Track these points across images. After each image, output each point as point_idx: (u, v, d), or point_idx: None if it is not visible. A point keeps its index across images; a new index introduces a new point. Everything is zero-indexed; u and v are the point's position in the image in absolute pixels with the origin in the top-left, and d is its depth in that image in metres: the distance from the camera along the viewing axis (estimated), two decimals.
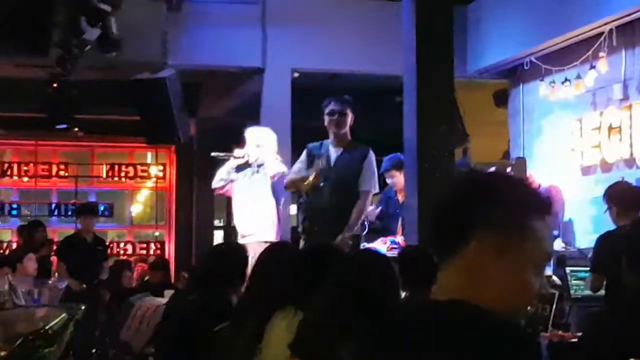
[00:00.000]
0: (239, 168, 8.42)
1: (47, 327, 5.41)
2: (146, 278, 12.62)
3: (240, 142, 8.57)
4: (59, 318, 5.54)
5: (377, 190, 8.26)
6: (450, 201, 1.92)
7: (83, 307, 6.37)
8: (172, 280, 14.33)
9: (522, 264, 1.87)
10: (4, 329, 5.85)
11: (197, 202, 15.95)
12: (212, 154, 8.74)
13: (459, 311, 1.75)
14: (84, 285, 10.59)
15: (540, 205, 1.91)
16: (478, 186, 1.92)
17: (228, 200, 17.27)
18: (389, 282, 3.68)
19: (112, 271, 11.79)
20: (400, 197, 9.19)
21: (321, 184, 7.95)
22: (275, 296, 4.08)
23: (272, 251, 4.84)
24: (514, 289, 1.87)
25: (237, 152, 8.42)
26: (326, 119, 8.14)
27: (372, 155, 8.09)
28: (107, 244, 15.96)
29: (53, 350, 5.36)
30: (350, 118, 8.14)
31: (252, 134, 8.51)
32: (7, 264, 10.03)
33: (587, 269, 7.41)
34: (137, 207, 17.63)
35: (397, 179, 9.18)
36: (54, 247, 12.42)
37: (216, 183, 8.63)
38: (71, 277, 10.61)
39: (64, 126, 12.93)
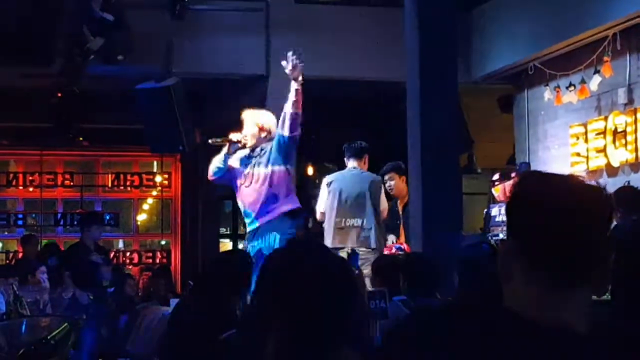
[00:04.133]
0: (235, 152, 7.75)
1: (49, 337, 5.41)
2: (151, 288, 12.58)
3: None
4: (61, 328, 5.53)
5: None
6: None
7: (85, 317, 6.36)
8: (179, 288, 14.34)
9: None
10: (7, 339, 5.84)
11: (203, 210, 15.95)
12: (209, 140, 7.94)
13: None
14: (91, 297, 10.57)
15: None
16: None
17: (234, 208, 17.17)
18: None
19: (116, 281, 11.75)
20: (400, 206, 9.19)
21: None
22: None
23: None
24: None
25: (232, 135, 7.69)
26: None
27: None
28: (113, 253, 16.02)
29: None
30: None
31: (251, 115, 7.83)
32: (14, 275, 10.01)
33: None
34: (142, 216, 17.63)
35: (396, 183, 9.19)
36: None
37: (212, 172, 7.89)
38: (76, 286, 10.60)
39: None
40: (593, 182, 1.89)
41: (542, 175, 1.89)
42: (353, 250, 7.80)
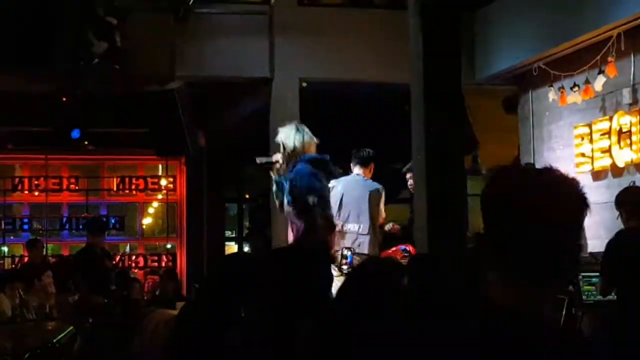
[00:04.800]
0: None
1: (54, 341, 5.40)
2: (157, 292, 12.58)
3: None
4: (66, 332, 5.53)
5: None
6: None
7: (91, 321, 6.36)
8: (184, 291, 14.35)
9: None
10: (13, 343, 5.84)
11: (207, 214, 15.95)
12: (257, 160, 8.12)
13: None
14: (105, 300, 10.58)
15: None
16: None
17: (239, 211, 17.19)
18: None
19: (122, 284, 11.76)
20: None
21: None
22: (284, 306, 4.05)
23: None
24: None
25: (274, 157, 7.76)
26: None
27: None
28: (119, 257, 16.06)
29: None
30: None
31: (278, 135, 7.88)
32: (20, 279, 10.03)
33: (599, 274, 7.38)
34: (148, 220, 17.64)
35: None
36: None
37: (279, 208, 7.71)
38: (88, 290, 10.61)
39: (77, 134, 12.87)
40: (568, 176, 1.87)
41: (516, 171, 1.88)
42: (348, 248, 7.93)
